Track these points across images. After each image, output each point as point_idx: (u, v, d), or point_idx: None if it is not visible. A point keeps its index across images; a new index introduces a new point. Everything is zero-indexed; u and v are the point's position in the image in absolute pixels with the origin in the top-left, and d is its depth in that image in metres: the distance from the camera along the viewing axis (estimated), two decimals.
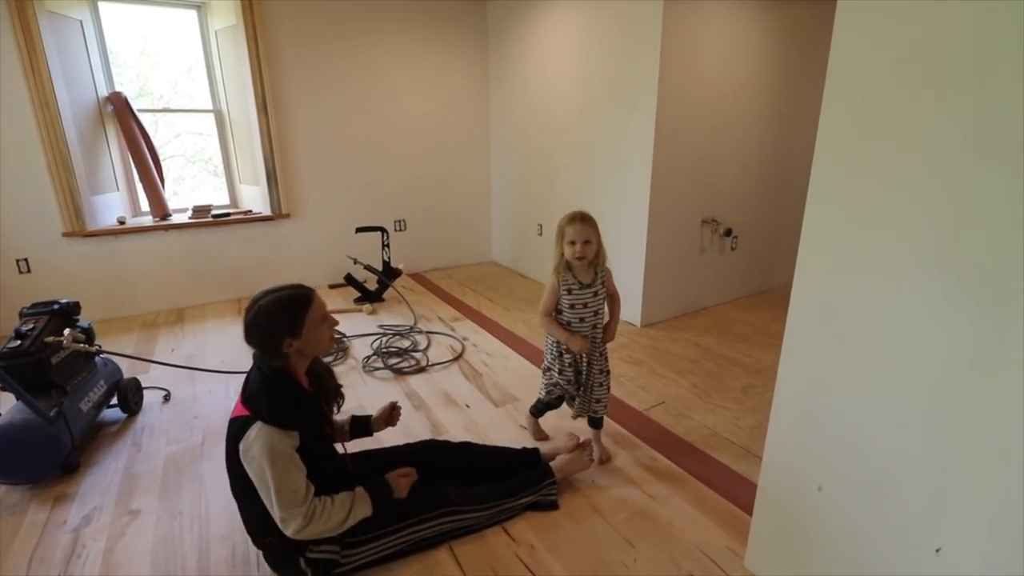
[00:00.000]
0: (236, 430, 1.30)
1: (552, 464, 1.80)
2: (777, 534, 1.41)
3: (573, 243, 1.73)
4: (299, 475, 1.29)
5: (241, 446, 1.27)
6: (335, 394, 1.54)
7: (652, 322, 3.36)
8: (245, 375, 1.39)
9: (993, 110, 0.88)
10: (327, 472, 1.41)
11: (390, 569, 1.49)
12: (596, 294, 1.82)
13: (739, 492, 1.79)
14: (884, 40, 1.01)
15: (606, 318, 1.92)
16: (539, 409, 2.08)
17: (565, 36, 3.55)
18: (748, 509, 1.69)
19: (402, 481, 1.50)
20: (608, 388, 1.94)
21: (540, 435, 2.13)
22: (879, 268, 1.08)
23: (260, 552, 1.46)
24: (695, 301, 3.59)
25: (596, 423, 1.97)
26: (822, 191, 1.18)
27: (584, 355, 1.86)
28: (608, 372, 1.94)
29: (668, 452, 2.03)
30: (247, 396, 1.32)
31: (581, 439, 1.99)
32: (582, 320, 1.83)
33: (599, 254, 1.80)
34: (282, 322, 1.31)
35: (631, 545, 1.57)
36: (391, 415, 1.71)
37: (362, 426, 1.69)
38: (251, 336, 1.32)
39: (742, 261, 3.77)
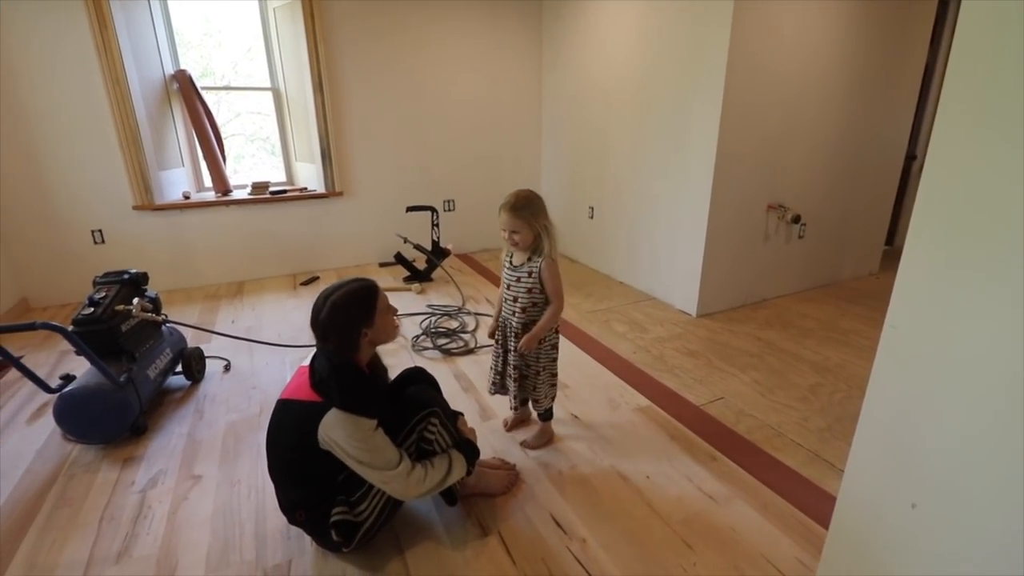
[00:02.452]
0: (305, 414, 1.31)
1: (483, 469, 1.71)
2: (858, 551, 1.29)
3: (504, 231, 1.70)
4: (386, 445, 1.33)
5: (321, 433, 1.28)
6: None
7: (709, 312, 3.20)
8: (310, 360, 1.40)
9: None
10: None
11: (442, 550, 1.48)
12: (519, 280, 1.76)
13: (808, 499, 1.67)
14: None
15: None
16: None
17: (626, 8, 3.36)
18: (819, 519, 1.57)
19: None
20: (541, 389, 1.89)
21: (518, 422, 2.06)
22: (1002, 262, 0.93)
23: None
24: (756, 292, 3.39)
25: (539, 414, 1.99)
26: (939, 173, 1.03)
27: (507, 334, 1.84)
28: (542, 372, 1.86)
29: (728, 451, 1.91)
30: (317, 381, 1.32)
31: (511, 464, 1.83)
32: (504, 300, 1.83)
33: (537, 239, 1.71)
34: (360, 312, 1.35)
35: (690, 548, 1.49)
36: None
37: None
38: (328, 332, 1.33)
39: (809, 250, 3.53)
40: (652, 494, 1.69)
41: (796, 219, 3.21)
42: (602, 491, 1.71)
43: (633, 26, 3.34)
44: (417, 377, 1.68)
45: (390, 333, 1.45)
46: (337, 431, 1.28)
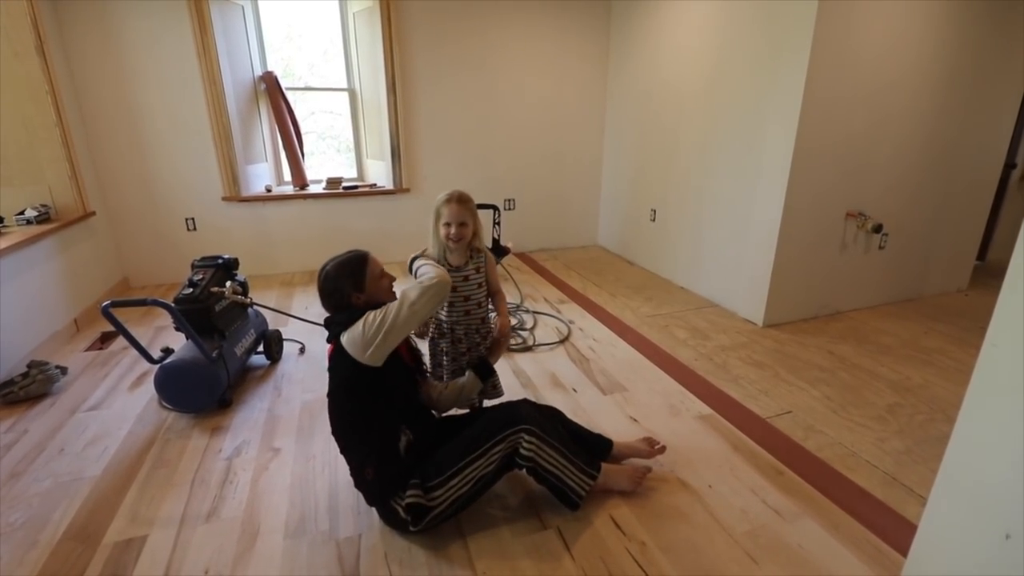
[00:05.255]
0: (334, 363, 1.48)
1: (610, 467, 1.69)
2: None
3: (448, 225, 1.69)
4: (384, 308, 1.43)
5: (359, 356, 1.41)
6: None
7: (777, 322, 3.08)
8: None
9: None
10: (402, 393, 1.56)
11: (502, 539, 1.52)
12: (467, 279, 1.78)
13: (884, 523, 1.59)
14: None
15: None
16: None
17: (699, 7, 3.29)
18: (896, 544, 1.50)
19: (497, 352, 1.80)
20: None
21: None
22: None
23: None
24: (829, 303, 3.23)
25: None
26: None
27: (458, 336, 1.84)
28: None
29: (796, 467, 1.85)
30: (329, 336, 1.49)
31: (659, 445, 1.83)
32: (452, 306, 1.81)
33: (476, 236, 1.76)
34: (346, 280, 1.49)
35: (754, 562, 1.45)
36: None
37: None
38: (324, 297, 1.51)
39: (890, 262, 3.32)
40: (714, 503, 1.67)
41: (877, 228, 3.03)
42: (662, 496, 1.70)
43: (706, 25, 3.27)
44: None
45: (386, 296, 1.55)
46: (355, 335, 1.41)
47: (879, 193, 3.07)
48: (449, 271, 1.74)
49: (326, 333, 1.51)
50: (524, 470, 1.54)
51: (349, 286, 1.49)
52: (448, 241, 1.72)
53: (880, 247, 3.22)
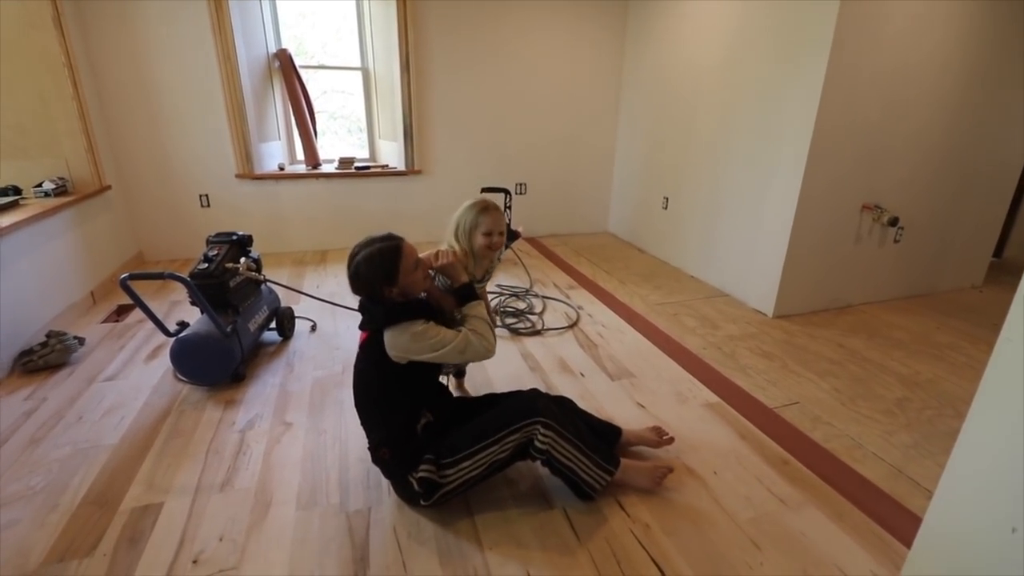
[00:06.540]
0: (368, 349, 1.50)
1: (630, 463, 1.66)
2: (945, 572, 1.23)
3: (489, 234, 1.67)
4: (445, 332, 1.48)
5: (393, 354, 1.44)
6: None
7: (787, 314, 3.07)
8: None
9: None
10: (428, 380, 1.60)
11: (509, 517, 1.55)
12: (485, 287, 1.84)
13: (888, 514, 1.60)
14: None
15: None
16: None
17: None
18: (900, 536, 1.51)
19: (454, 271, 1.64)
20: None
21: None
22: None
23: (389, 483, 1.59)
24: (841, 296, 3.20)
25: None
26: None
27: None
28: None
29: (802, 456, 1.85)
30: (363, 323, 1.51)
31: (667, 436, 1.83)
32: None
33: None
34: (378, 274, 1.45)
35: (757, 547, 1.47)
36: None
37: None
38: (356, 288, 1.50)
39: (904, 256, 3.28)
40: (719, 489, 1.68)
41: (893, 222, 2.99)
42: (667, 481, 1.71)
43: (724, 9, 3.20)
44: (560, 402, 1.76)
45: (419, 287, 1.53)
46: (400, 342, 1.43)
47: (896, 185, 3.03)
48: (477, 283, 1.80)
49: (337, 311, 1.52)
50: (538, 462, 1.55)
51: (382, 281, 1.45)
52: (488, 250, 1.74)
53: (895, 240, 3.19)
